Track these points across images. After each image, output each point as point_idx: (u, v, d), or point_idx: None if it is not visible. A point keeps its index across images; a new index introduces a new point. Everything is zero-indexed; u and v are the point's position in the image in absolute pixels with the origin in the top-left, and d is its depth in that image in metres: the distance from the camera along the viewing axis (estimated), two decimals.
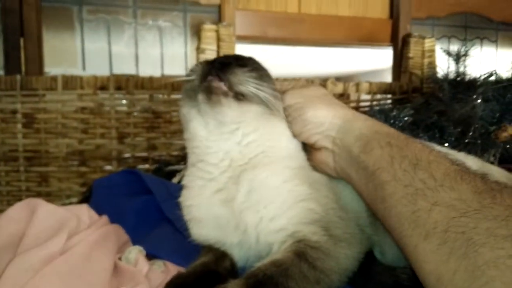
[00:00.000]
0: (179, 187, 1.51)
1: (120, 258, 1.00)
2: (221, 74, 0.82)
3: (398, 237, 0.71)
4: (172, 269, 1.02)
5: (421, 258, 0.65)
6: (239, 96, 0.83)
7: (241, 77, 0.83)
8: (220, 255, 0.94)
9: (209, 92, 0.83)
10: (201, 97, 0.84)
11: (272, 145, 0.91)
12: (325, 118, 0.87)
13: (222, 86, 0.82)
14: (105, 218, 1.06)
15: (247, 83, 0.83)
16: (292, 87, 0.96)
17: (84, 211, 0.98)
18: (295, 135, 0.93)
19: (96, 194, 1.52)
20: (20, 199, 2.03)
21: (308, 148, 0.94)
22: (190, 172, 0.97)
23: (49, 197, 2.08)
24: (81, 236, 0.87)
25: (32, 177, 2.06)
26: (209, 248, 0.96)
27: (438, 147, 0.94)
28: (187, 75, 0.92)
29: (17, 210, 0.90)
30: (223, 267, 0.92)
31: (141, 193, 1.45)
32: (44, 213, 0.87)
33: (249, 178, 0.87)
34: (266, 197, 0.85)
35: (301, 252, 0.80)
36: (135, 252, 1.02)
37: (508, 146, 1.64)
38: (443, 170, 0.69)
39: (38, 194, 2.07)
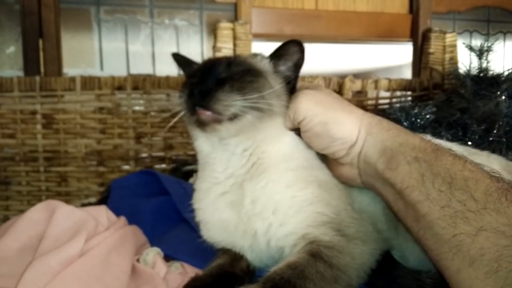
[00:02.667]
0: None
1: (138, 260, 1.00)
2: (205, 104, 0.82)
3: (437, 259, 0.68)
4: (190, 271, 1.02)
5: (466, 284, 0.62)
6: (230, 116, 0.83)
7: (224, 101, 0.82)
8: (236, 257, 0.94)
9: (202, 124, 0.84)
10: (197, 129, 0.87)
11: (265, 150, 0.90)
12: (351, 133, 0.85)
13: (211, 115, 0.82)
14: (123, 219, 1.06)
15: (232, 105, 0.82)
16: (306, 88, 0.93)
17: (103, 213, 0.98)
18: (317, 150, 0.91)
19: (114, 195, 1.53)
20: (40, 199, 2.08)
21: (330, 160, 0.92)
22: (199, 175, 0.99)
23: (68, 196, 2.10)
24: (100, 238, 0.87)
25: (51, 177, 2.08)
26: (225, 250, 0.96)
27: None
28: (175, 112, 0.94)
29: (37, 212, 0.91)
30: (239, 268, 0.92)
31: (158, 194, 1.45)
32: (63, 215, 0.87)
33: (250, 188, 0.87)
34: (271, 204, 0.85)
35: (315, 252, 0.79)
36: (153, 254, 1.01)
37: None
38: (483, 189, 0.65)
39: (58, 194, 2.09)
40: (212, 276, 0.88)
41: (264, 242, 0.86)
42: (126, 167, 2.13)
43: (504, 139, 1.49)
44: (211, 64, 0.89)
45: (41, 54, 2.06)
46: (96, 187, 2.12)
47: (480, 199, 0.64)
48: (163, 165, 2.17)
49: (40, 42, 2.06)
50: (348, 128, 0.84)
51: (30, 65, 2.06)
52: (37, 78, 1.99)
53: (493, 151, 1.45)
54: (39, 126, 2.04)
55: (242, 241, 0.89)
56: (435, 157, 0.73)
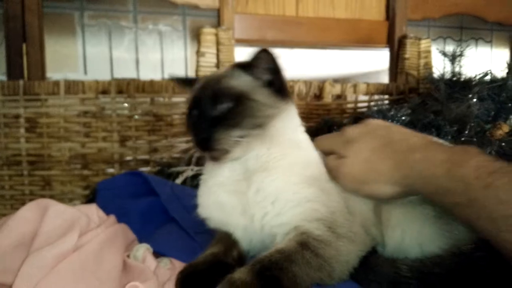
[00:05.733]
0: (183, 188, 1.55)
1: (128, 256, 1.03)
2: (211, 149, 0.93)
3: None
4: (178, 266, 1.06)
5: None
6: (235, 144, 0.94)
7: (225, 140, 0.92)
8: (228, 246, 1.00)
9: (216, 159, 0.96)
10: (211, 163, 1.01)
11: (276, 151, 0.98)
12: (386, 193, 0.92)
13: (218, 153, 0.94)
14: (113, 217, 1.09)
15: (232, 139, 0.92)
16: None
17: (94, 211, 1.01)
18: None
19: (100, 196, 1.55)
20: (23, 203, 2.05)
21: None
22: (206, 170, 1.07)
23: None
24: (92, 235, 0.90)
25: (35, 180, 2.08)
26: (218, 240, 1.02)
27: None
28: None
29: (28, 210, 0.93)
30: (232, 257, 0.98)
31: (145, 194, 1.48)
32: (55, 212, 0.90)
33: (259, 179, 0.94)
34: (273, 195, 0.92)
35: (304, 242, 0.86)
36: (143, 250, 1.05)
37: (503, 143, 1.67)
38: None
39: (41, 198, 2.08)
40: (206, 263, 0.93)
41: (258, 226, 0.94)
42: (110, 170, 2.15)
43: (475, 139, 1.57)
44: (199, 101, 0.96)
45: (25, 58, 2.06)
46: (81, 190, 2.13)
47: None
48: (148, 168, 2.20)
49: (24, 46, 2.06)
50: (383, 190, 0.92)
51: (13, 69, 2.06)
52: (21, 82, 2.00)
53: None
54: (22, 130, 2.04)
55: (238, 221, 0.97)
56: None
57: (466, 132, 1.61)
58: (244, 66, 1.00)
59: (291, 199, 0.92)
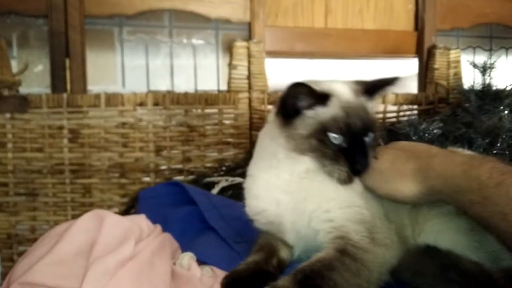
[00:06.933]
0: (221, 198, 1.62)
1: (174, 263, 1.10)
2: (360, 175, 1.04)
3: None
4: (220, 274, 1.11)
5: None
6: None
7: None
8: (269, 254, 1.06)
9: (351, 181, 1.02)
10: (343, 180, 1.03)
11: None
12: (409, 194, 0.96)
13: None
14: (159, 227, 1.16)
15: None
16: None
17: (143, 221, 1.08)
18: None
19: (142, 204, 1.63)
20: (65, 210, 2.19)
21: None
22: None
23: (92, 207, 2.20)
24: (144, 244, 0.97)
25: (76, 188, 2.19)
26: (259, 248, 1.08)
27: None
28: None
29: (87, 221, 1.01)
30: (272, 265, 1.03)
31: (185, 204, 1.55)
32: (112, 223, 0.97)
33: (311, 181, 1.02)
34: (327, 194, 1.00)
35: (343, 249, 0.92)
36: (187, 258, 1.11)
37: None
38: None
39: (82, 205, 2.20)
40: (248, 271, 1.00)
41: (306, 220, 1.00)
42: (146, 179, 2.24)
43: (507, 152, 1.59)
44: (355, 129, 1.00)
45: (68, 72, 2.18)
46: (118, 198, 2.22)
47: None
48: (181, 177, 2.28)
49: (67, 61, 2.18)
50: (405, 190, 0.97)
51: (57, 82, 2.19)
52: (64, 95, 2.12)
53: None
54: (65, 141, 2.15)
55: (288, 216, 1.03)
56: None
57: (498, 144, 1.62)
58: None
59: (343, 200, 0.99)
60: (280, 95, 1.05)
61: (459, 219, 0.98)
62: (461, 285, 0.90)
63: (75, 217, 1.92)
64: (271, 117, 1.10)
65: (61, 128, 2.14)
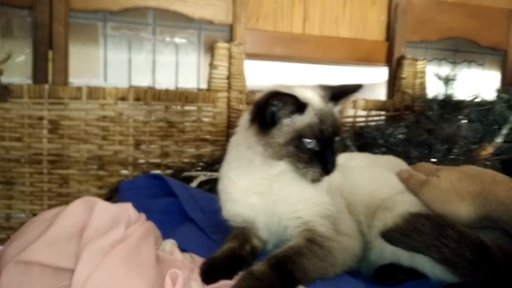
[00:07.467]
0: (199, 191, 1.71)
1: (157, 249, 1.18)
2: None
3: None
4: (198, 260, 1.20)
5: None
6: None
7: None
8: (243, 241, 1.16)
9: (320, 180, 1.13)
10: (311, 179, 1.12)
11: None
12: (467, 215, 1.01)
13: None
14: (143, 215, 1.24)
15: None
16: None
17: (130, 208, 1.15)
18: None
19: (122, 196, 1.69)
20: (41, 199, 2.23)
21: None
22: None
23: (69, 198, 2.24)
24: (132, 229, 1.05)
25: (54, 179, 2.22)
26: (233, 236, 1.19)
27: None
28: None
29: (77, 206, 1.08)
30: (246, 251, 1.14)
31: (165, 195, 1.63)
32: (102, 209, 1.05)
33: (281, 183, 1.12)
34: (296, 195, 1.11)
35: (311, 238, 1.05)
36: (170, 245, 1.20)
37: (488, 163, 1.86)
38: None
39: (59, 195, 2.23)
40: (225, 257, 1.10)
41: (277, 220, 1.13)
42: (124, 171, 2.30)
43: (462, 158, 1.75)
44: (326, 133, 1.09)
45: (50, 64, 2.21)
46: (96, 190, 2.27)
47: None
48: (159, 171, 2.34)
49: (50, 53, 2.21)
50: (462, 212, 1.01)
51: (38, 73, 2.21)
52: (46, 86, 2.15)
53: None
54: (45, 131, 2.18)
55: (262, 218, 1.15)
56: None
57: (455, 150, 1.78)
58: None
59: (309, 200, 1.10)
60: (256, 103, 1.11)
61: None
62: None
63: (51, 206, 1.97)
64: (245, 125, 1.16)
65: (41, 118, 2.16)
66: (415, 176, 1.14)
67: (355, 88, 1.20)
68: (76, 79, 2.29)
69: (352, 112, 2.60)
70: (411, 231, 1.01)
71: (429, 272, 1.04)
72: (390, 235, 1.05)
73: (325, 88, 1.18)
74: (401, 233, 1.03)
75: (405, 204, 1.10)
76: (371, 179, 1.22)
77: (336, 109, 1.17)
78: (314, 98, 1.12)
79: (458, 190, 1.01)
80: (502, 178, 1.01)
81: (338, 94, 1.18)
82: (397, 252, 1.07)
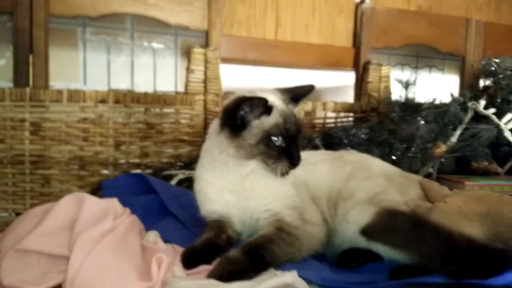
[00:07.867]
0: (178, 188, 1.83)
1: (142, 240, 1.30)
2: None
3: None
4: (179, 250, 1.33)
5: None
6: None
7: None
8: (219, 232, 1.29)
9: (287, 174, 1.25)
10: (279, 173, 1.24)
11: None
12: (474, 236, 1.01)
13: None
14: (128, 209, 1.35)
15: None
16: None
17: (116, 203, 1.27)
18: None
19: (106, 193, 1.79)
20: (24, 199, 2.30)
21: None
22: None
23: (50, 197, 2.30)
24: (119, 221, 1.17)
25: (36, 179, 2.28)
26: (210, 227, 1.31)
27: None
28: None
29: (67, 201, 1.19)
30: (222, 240, 1.27)
31: (146, 193, 1.74)
32: (91, 203, 1.16)
33: (251, 181, 1.25)
34: (265, 190, 1.25)
35: (280, 227, 1.18)
36: (153, 236, 1.33)
37: (444, 160, 2.04)
38: None
39: (41, 195, 2.30)
40: (202, 246, 1.23)
41: (249, 214, 1.26)
42: (105, 171, 2.38)
43: (419, 156, 1.93)
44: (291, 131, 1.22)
45: (31, 68, 2.28)
46: (77, 189, 2.34)
47: None
48: (139, 171, 2.44)
49: (30, 57, 2.27)
50: (471, 233, 1.00)
51: (19, 77, 2.27)
52: (27, 89, 2.21)
53: (410, 165, 1.88)
54: (27, 133, 2.24)
55: (236, 213, 1.28)
56: None
57: (413, 149, 1.96)
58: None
59: (277, 194, 1.24)
60: (226, 109, 1.23)
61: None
62: None
63: (33, 206, 2.04)
64: (215, 131, 1.28)
65: (23, 121, 2.23)
66: (422, 204, 1.19)
67: (309, 89, 1.35)
68: (56, 82, 2.36)
69: (322, 114, 2.76)
70: (390, 229, 1.05)
71: (383, 253, 1.19)
72: (370, 233, 1.11)
73: (283, 91, 1.32)
74: (381, 231, 1.08)
75: (363, 190, 1.27)
76: (328, 172, 1.38)
77: (296, 109, 1.31)
78: (276, 101, 1.26)
79: (464, 212, 1.03)
80: (509, 199, 1.03)
81: (296, 96, 1.32)
82: (355, 237, 1.22)
